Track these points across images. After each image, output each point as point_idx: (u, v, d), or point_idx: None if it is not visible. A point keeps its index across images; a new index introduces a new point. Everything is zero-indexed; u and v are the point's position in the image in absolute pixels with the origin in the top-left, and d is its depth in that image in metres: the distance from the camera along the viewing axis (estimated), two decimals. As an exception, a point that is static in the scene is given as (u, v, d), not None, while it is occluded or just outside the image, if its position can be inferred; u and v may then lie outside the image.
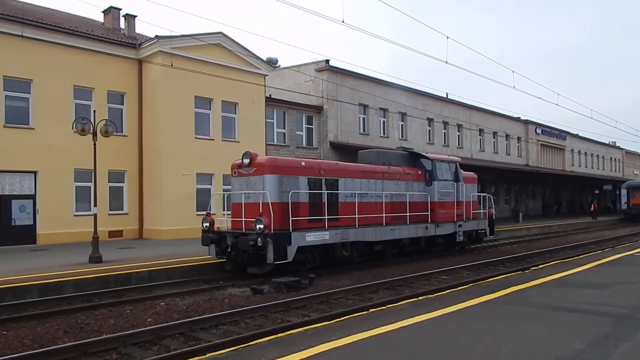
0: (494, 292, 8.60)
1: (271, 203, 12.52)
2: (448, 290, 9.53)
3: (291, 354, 5.14)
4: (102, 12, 25.24)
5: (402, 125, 36.54)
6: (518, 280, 10.01)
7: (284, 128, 29.42)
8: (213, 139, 23.62)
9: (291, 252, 12.48)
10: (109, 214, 21.24)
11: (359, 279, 12.77)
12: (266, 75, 26.70)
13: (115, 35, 22.87)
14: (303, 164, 13.81)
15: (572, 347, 5.41)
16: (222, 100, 24.00)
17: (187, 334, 7.81)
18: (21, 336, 7.73)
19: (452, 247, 19.34)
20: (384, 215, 15.60)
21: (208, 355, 5.67)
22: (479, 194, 20.74)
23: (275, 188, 12.84)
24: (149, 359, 6.42)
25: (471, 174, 20.51)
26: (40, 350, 6.79)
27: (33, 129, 19.22)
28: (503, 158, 48.13)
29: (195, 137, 22.79)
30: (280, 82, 31.80)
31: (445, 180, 18.12)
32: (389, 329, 6.15)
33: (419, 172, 17.79)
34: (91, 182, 17.05)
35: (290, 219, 12.61)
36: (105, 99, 21.27)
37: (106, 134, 14.52)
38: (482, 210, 20.43)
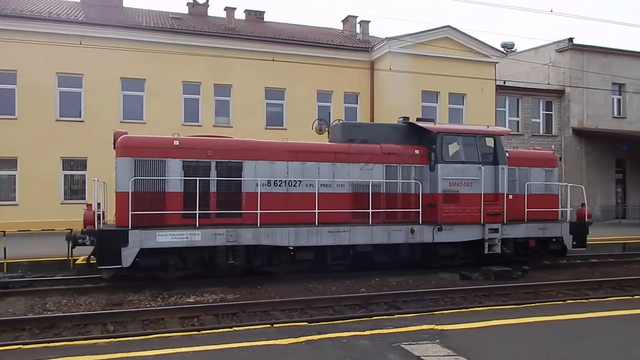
0: None
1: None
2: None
3: (461, 323, 5.77)
4: (341, 21, 28.48)
5: (673, 105, 30.57)
6: None
7: (517, 116, 28.09)
8: (440, 131, 24.24)
9: (129, 255, 9.81)
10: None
11: (582, 275, 11.96)
12: (497, 62, 26.01)
13: (351, 42, 25.60)
14: (176, 142, 10.77)
15: None
16: (449, 93, 24.50)
17: (390, 303, 9.03)
18: (269, 291, 10.14)
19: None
20: (316, 211, 11.29)
21: (406, 316, 6.71)
22: (560, 183, 14.19)
23: (124, 174, 10.27)
24: (355, 314, 7.80)
25: (544, 152, 14.37)
26: (279, 300, 9.02)
27: (286, 129, 23.18)
28: None
29: (423, 130, 23.81)
30: (516, 68, 30.31)
31: (462, 162, 12.39)
32: (570, 317, 6.14)
33: (416, 151, 12.51)
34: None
35: (130, 213, 10.02)
36: (342, 99, 24.16)
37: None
38: (564, 209, 13.68)
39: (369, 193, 11.76)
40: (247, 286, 10.52)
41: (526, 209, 12.82)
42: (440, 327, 5.54)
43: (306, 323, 6.58)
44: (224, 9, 24.51)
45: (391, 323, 5.92)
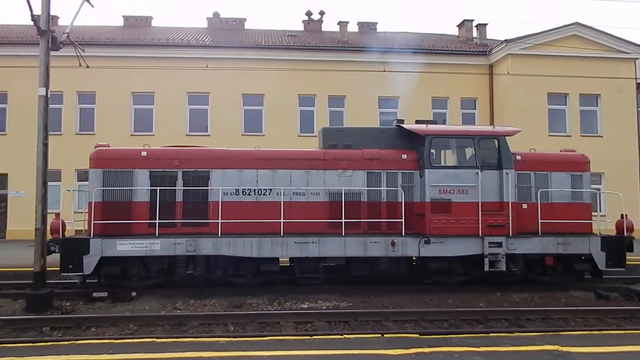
0: None
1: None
2: None
3: (590, 346, 5.20)
4: (457, 26, 27.60)
5: None
6: None
7: (666, 116, 24.85)
8: (570, 135, 22.36)
9: (90, 262, 10.14)
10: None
11: None
12: (637, 58, 23.33)
13: (468, 46, 24.68)
14: (144, 154, 10.99)
15: None
16: (580, 94, 22.54)
17: (512, 320, 8.41)
18: (383, 301, 10.05)
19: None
20: (281, 221, 10.74)
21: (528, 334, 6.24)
22: (592, 190, 12.17)
23: (93, 184, 10.69)
24: (472, 330, 7.41)
25: (569, 154, 12.29)
26: (392, 310, 9.00)
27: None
28: None
29: (549, 135, 22.11)
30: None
31: (454, 167, 11.40)
32: None
33: (404, 155, 11.47)
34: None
35: (92, 222, 10.38)
36: (458, 105, 23.34)
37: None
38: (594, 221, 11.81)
39: (349, 201, 11.12)
40: (360, 295, 10.57)
41: (540, 220, 11.14)
42: (565, 349, 5.04)
43: (418, 335, 6.40)
44: (337, 24, 25.11)
45: (510, 341, 5.52)
